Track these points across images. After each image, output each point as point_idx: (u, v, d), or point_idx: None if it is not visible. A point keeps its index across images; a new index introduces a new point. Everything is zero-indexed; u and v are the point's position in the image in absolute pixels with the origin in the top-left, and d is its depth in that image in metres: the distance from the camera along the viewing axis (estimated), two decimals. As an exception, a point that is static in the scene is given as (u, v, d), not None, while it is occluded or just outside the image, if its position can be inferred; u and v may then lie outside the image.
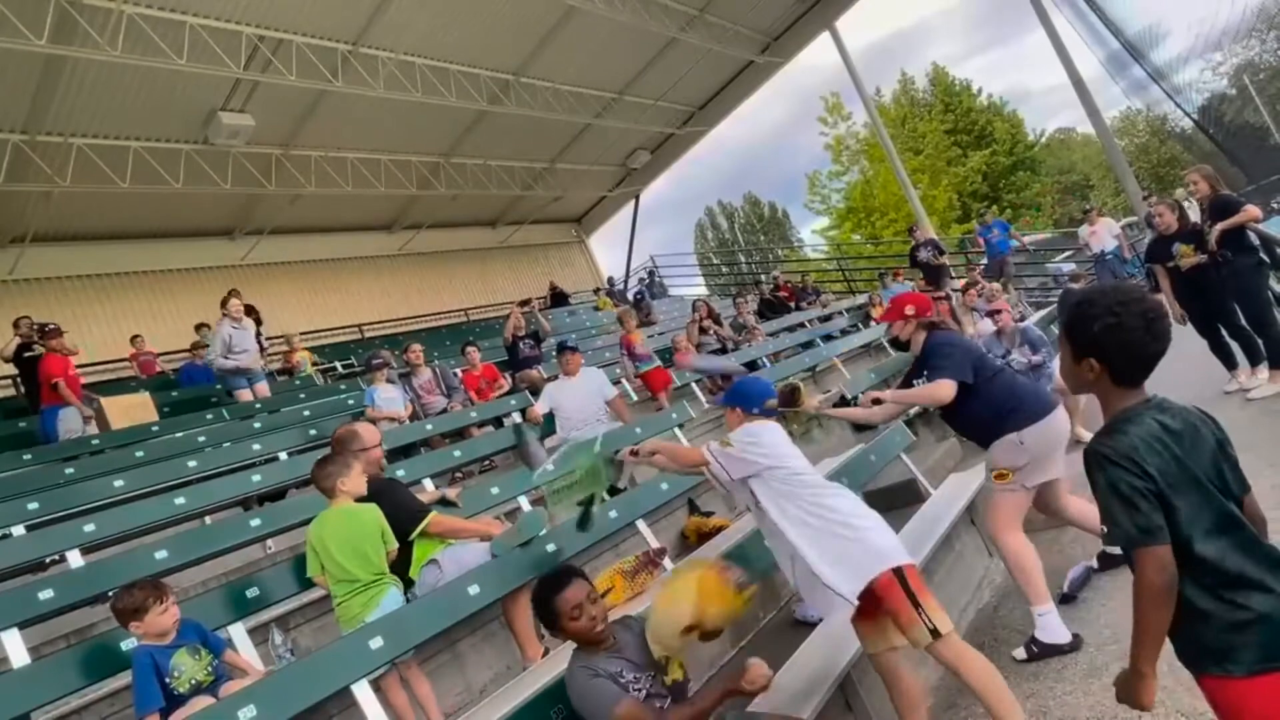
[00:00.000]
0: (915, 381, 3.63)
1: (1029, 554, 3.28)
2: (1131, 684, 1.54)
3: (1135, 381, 1.57)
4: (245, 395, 8.16)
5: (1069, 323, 1.62)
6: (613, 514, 4.15)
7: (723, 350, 9.70)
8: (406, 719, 3.08)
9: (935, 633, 2.34)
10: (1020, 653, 3.21)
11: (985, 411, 3.37)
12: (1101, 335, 1.54)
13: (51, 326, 7.75)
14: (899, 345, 3.85)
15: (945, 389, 3.34)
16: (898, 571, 2.37)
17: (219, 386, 8.79)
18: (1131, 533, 1.45)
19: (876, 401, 3.53)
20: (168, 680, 2.65)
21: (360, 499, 3.42)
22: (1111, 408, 1.59)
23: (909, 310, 3.65)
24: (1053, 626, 3.16)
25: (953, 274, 13.37)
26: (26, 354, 8.10)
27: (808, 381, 8.91)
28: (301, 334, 13.96)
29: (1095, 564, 3.75)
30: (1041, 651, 3.15)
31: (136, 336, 11.03)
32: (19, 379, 9.01)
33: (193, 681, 2.70)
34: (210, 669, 2.78)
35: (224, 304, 8.21)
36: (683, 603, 2.18)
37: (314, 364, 10.95)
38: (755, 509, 2.63)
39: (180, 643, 2.76)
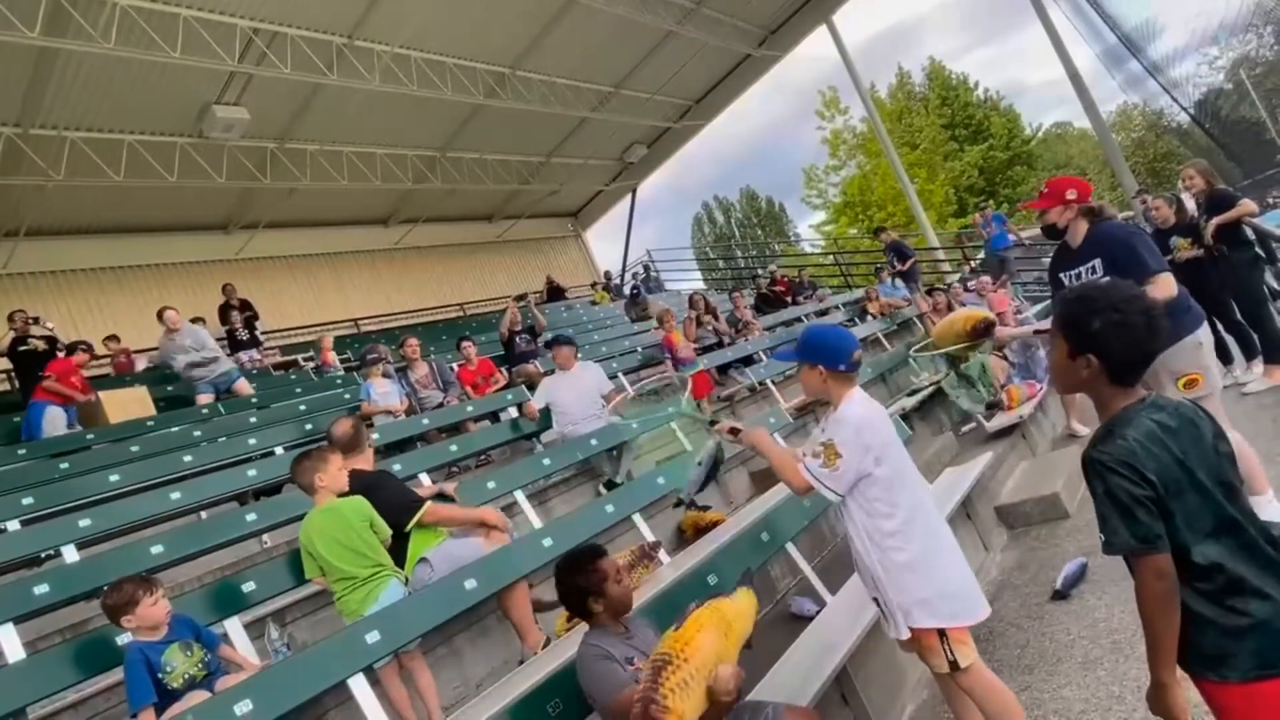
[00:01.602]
0: (1071, 272, 3.36)
1: (1245, 449, 3.13)
2: (1156, 696, 1.53)
3: (1131, 380, 1.56)
4: (204, 399, 7.88)
5: (1067, 319, 1.59)
6: (609, 508, 4.15)
7: (718, 345, 9.69)
8: (404, 713, 3.09)
9: (955, 665, 2.28)
10: None
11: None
12: (1104, 332, 1.52)
13: (84, 346, 7.89)
14: (1054, 234, 3.51)
15: (1170, 284, 3.06)
16: (940, 630, 2.29)
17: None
18: (1130, 542, 1.44)
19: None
20: (160, 676, 2.65)
21: (349, 492, 3.41)
22: (1107, 408, 1.57)
23: (1070, 194, 3.36)
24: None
25: (920, 275, 13.10)
26: (21, 348, 8.06)
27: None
28: (298, 328, 13.98)
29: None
30: None
31: (110, 337, 10.52)
32: (12, 374, 8.97)
33: (185, 677, 2.69)
34: (203, 664, 2.77)
35: (159, 316, 8.05)
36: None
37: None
38: (840, 507, 2.44)
39: (172, 638, 2.75)
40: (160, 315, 8.02)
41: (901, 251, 12.36)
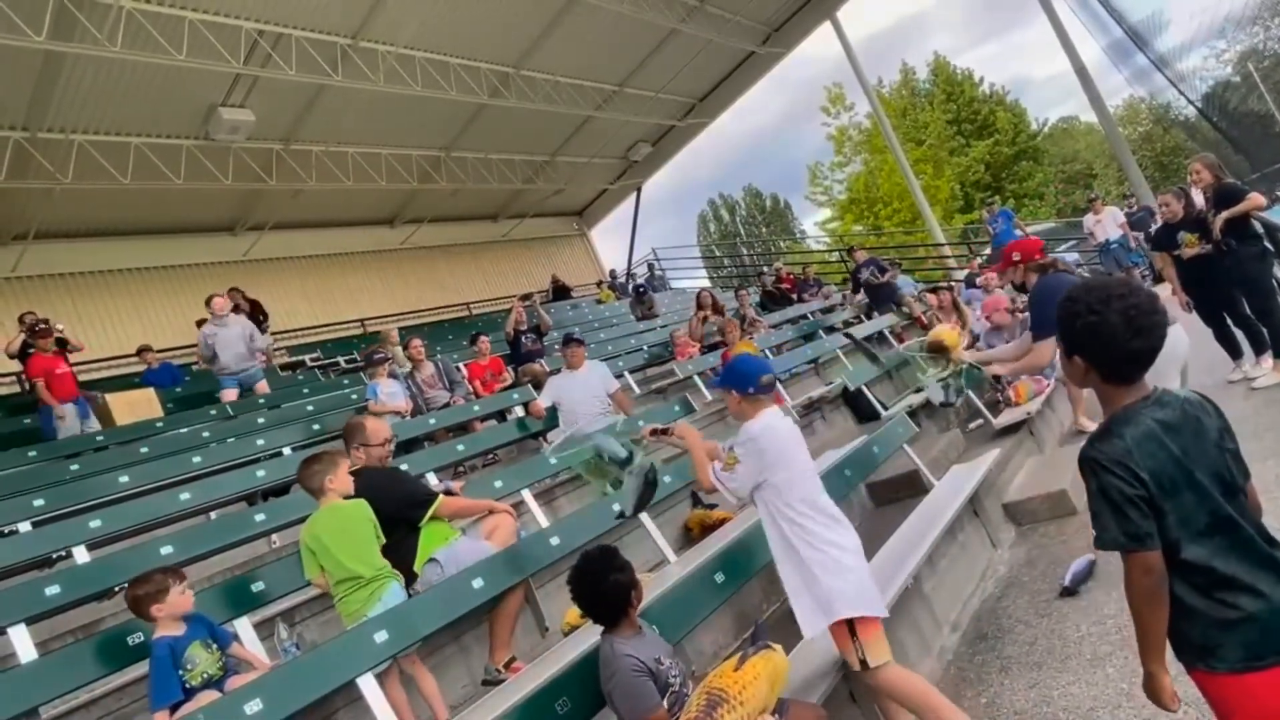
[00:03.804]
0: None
1: None
2: (1146, 684, 1.58)
3: (1127, 378, 1.55)
4: (229, 395, 7.92)
5: (1058, 320, 1.61)
6: (616, 507, 4.15)
7: (724, 344, 9.67)
8: (403, 715, 3.06)
9: (864, 664, 2.37)
10: None
11: None
12: (1082, 333, 1.53)
13: (41, 326, 7.59)
14: (1021, 290, 3.91)
15: (1044, 353, 3.36)
16: (849, 621, 2.39)
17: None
18: (1120, 539, 1.46)
19: (998, 377, 3.60)
20: (180, 672, 2.67)
21: (362, 489, 3.40)
22: (1109, 405, 1.57)
23: (1015, 256, 3.69)
24: None
25: (900, 290, 11.68)
26: (31, 350, 8.11)
27: (808, 374, 8.90)
28: (306, 329, 14.03)
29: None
30: None
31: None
32: (23, 375, 9.01)
33: (204, 675, 2.71)
34: (220, 663, 2.80)
35: (207, 303, 8.13)
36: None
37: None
38: (762, 513, 2.63)
39: (193, 636, 2.77)
40: (208, 302, 8.13)
41: (880, 265, 11.86)
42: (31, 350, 7.74)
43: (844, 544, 2.51)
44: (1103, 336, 1.50)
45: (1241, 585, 1.42)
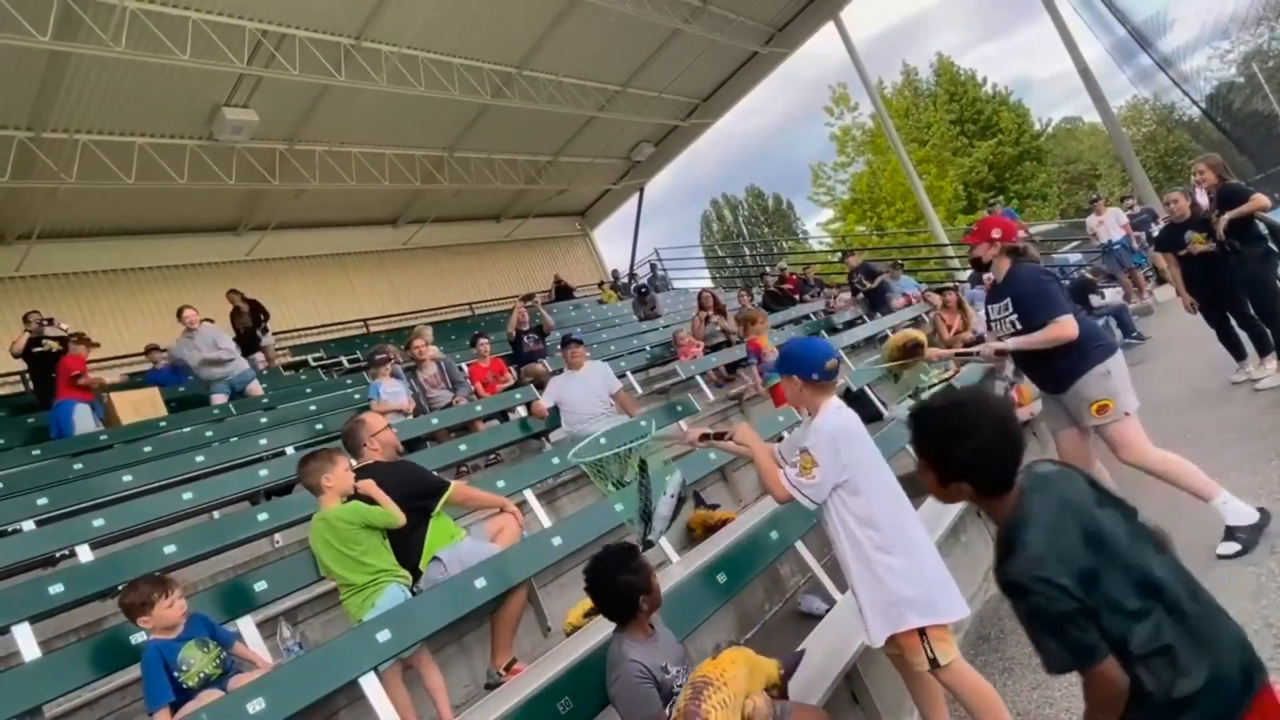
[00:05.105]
0: (993, 306, 3.73)
1: (1176, 461, 3.32)
2: None
3: (1009, 486, 1.50)
4: (218, 399, 7.96)
5: (930, 451, 1.54)
6: (619, 507, 4.15)
7: (726, 344, 9.68)
8: (405, 716, 3.06)
9: (935, 663, 2.30)
10: (1229, 547, 3.16)
11: (1075, 346, 3.43)
12: (966, 460, 1.48)
13: (75, 336, 7.88)
14: (979, 266, 3.92)
15: (1069, 326, 3.39)
16: (921, 629, 2.32)
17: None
18: (1067, 660, 1.37)
19: (1000, 353, 3.60)
20: (176, 674, 2.67)
21: (375, 480, 3.40)
22: (995, 516, 1.52)
23: (995, 234, 3.66)
24: (1239, 509, 3.19)
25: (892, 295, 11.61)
26: (36, 349, 8.14)
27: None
28: (308, 329, 14.04)
29: None
30: (1247, 535, 3.16)
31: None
32: (27, 374, 9.03)
33: (201, 675, 2.71)
34: (218, 662, 2.80)
35: (179, 314, 8.02)
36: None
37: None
38: (824, 513, 2.50)
39: (188, 636, 2.77)
40: (179, 314, 8.05)
41: (871, 270, 11.85)
42: (41, 348, 7.93)
43: (915, 545, 2.40)
44: (989, 460, 1.48)
45: (1187, 655, 1.32)
